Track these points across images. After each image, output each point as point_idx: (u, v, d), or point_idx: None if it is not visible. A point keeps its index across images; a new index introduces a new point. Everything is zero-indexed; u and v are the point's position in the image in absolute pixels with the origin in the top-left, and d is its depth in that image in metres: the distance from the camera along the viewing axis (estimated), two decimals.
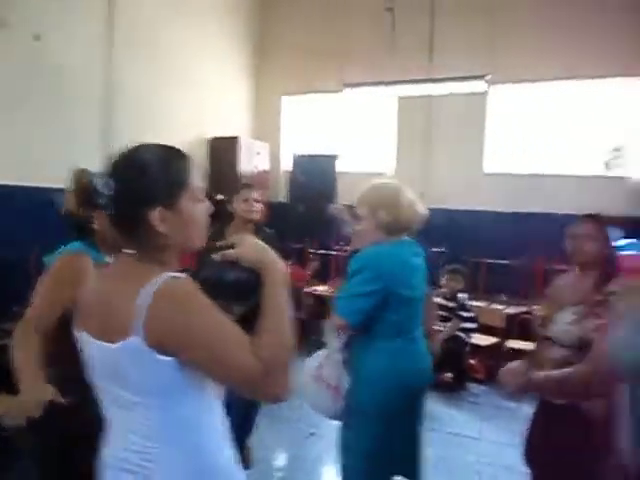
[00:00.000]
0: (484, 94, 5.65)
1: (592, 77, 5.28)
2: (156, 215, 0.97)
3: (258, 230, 2.70)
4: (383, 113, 6.32)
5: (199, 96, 5.66)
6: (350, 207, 2.38)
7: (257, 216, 2.72)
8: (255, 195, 2.71)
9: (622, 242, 3.28)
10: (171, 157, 1.03)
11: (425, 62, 5.69)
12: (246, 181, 2.89)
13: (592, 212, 2.04)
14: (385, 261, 1.92)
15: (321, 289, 5.21)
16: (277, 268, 1.03)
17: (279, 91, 6.75)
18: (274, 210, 5.88)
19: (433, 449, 3.21)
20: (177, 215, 1.00)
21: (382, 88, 5.87)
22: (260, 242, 1.07)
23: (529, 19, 5.37)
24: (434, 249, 5.10)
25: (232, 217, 2.73)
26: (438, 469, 3.05)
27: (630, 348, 1.10)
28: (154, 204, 0.97)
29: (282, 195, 6.23)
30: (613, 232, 3.27)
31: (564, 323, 1.84)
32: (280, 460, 3.24)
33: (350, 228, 2.39)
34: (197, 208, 1.04)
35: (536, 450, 1.96)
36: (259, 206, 2.72)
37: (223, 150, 5.65)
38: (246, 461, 2.85)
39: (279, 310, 0.99)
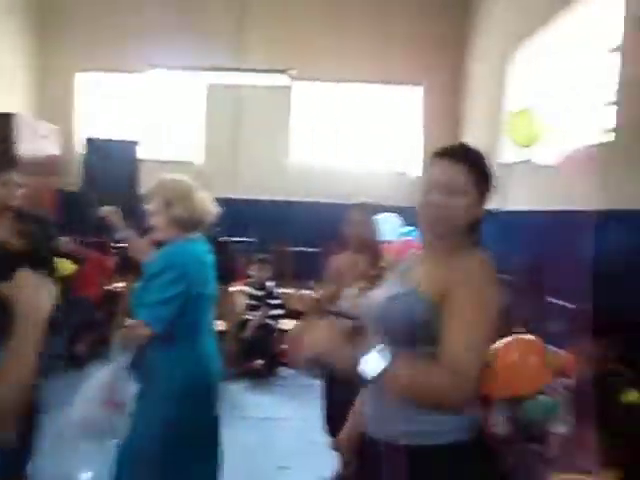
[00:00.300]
0: (289, 88, 5.85)
1: (378, 82, 5.94)
2: None
3: (21, 218, 2.36)
4: (191, 100, 6.10)
5: None
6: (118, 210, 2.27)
7: (17, 202, 2.37)
8: (17, 178, 2.35)
9: (403, 229, 3.72)
10: None
11: (233, 51, 5.65)
12: (28, 164, 2.49)
13: (362, 201, 2.30)
14: (186, 260, 1.87)
15: (122, 285, 4.82)
16: (21, 299, 0.91)
17: (73, 68, 6.01)
18: (65, 199, 5.26)
19: (246, 436, 3.24)
20: None
21: (189, 73, 5.65)
22: (19, 275, 0.93)
23: (327, 23, 5.74)
24: (243, 239, 5.13)
25: None
26: (250, 454, 3.06)
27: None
28: None
29: (75, 183, 5.59)
30: (393, 220, 3.68)
31: (351, 297, 2.06)
32: None
33: (123, 233, 2.27)
34: None
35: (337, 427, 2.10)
36: (21, 191, 2.37)
37: None
38: None
39: (18, 346, 0.89)
